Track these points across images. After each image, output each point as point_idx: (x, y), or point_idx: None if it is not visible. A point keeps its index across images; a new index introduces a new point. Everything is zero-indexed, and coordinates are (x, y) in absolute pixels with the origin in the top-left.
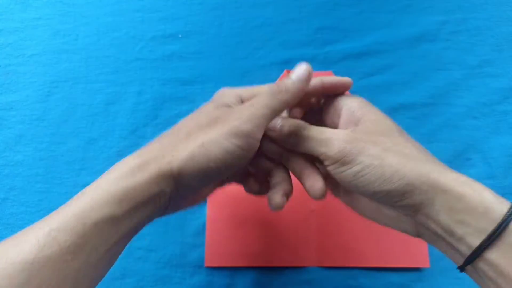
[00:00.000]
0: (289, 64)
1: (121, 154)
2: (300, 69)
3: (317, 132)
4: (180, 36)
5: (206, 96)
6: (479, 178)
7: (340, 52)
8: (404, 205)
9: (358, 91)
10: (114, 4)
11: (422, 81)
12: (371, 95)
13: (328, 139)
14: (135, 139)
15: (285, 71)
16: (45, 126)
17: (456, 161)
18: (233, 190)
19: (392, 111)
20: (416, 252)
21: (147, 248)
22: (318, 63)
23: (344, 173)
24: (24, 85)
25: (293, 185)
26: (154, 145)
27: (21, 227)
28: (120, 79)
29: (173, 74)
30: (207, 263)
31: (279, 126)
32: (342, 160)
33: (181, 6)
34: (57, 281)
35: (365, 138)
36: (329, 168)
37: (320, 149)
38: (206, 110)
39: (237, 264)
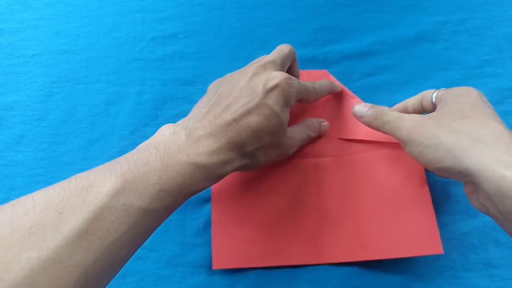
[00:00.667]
0: None
1: (121, 154)
2: (327, 126)
3: (393, 117)
4: (180, 36)
5: None
6: None
7: (340, 52)
8: (464, 181)
9: (358, 91)
10: (115, 4)
11: (422, 81)
12: (371, 95)
13: (401, 123)
14: (136, 139)
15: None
16: (46, 126)
17: None
18: (238, 191)
19: None
20: (427, 238)
21: (147, 248)
22: (318, 63)
23: (411, 152)
24: (24, 85)
25: (298, 184)
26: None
27: None
28: (120, 79)
29: (174, 74)
30: (214, 266)
31: (365, 113)
32: (409, 142)
33: (182, 7)
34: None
35: (432, 122)
36: (403, 147)
37: (394, 132)
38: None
39: (245, 265)
